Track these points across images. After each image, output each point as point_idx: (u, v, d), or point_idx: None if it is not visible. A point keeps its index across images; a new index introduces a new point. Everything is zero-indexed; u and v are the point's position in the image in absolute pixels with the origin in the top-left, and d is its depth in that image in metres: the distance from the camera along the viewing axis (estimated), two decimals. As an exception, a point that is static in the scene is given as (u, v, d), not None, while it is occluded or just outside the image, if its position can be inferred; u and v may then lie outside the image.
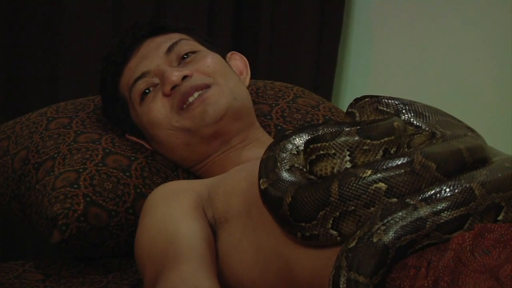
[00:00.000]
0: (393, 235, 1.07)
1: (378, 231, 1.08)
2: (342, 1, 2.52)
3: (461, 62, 2.53)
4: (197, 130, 1.53)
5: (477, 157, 1.15)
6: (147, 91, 1.57)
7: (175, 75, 1.53)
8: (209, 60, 1.59)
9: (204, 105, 1.51)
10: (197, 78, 1.55)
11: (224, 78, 1.57)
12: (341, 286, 1.06)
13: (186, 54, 1.59)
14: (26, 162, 1.63)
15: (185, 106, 1.52)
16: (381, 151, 1.15)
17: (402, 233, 1.07)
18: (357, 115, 1.28)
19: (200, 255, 1.25)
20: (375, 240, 1.07)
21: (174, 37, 1.62)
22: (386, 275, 1.08)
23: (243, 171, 1.39)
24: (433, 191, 1.09)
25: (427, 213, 1.07)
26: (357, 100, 1.31)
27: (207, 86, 1.54)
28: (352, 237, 1.09)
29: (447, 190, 1.08)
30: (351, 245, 1.08)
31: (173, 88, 1.54)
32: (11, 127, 1.73)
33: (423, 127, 1.25)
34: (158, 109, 1.55)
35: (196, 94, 1.52)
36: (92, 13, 2.33)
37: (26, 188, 1.62)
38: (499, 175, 1.10)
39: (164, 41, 1.61)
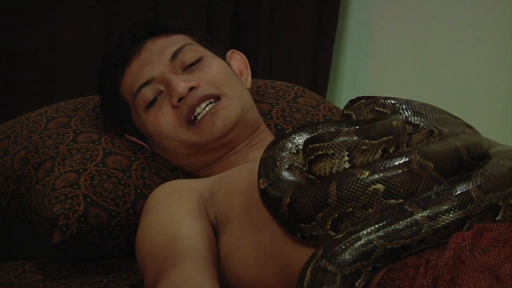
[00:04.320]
0: (384, 236, 1.07)
1: (370, 230, 1.08)
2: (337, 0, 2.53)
3: (461, 61, 2.52)
4: (206, 144, 1.54)
5: (475, 154, 1.14)
6: (154, 99, 1.57)
7: (182, 86, 1.53)
8: (214, 68, 1.58)
9: (213, 119, 1.52)
10: (204, 89, 1.54)
11: (230, 87, 1.57)
12: (307, 272, 1.07)
13: (191, 62, 1.59)
14: (25, 162, 1.63)
15: (193, 118, 1.52)
16: (379, 151, 1.15)
17: (395, 236, 1.07)
18: (354, 117, 1.28)
19: (201, 256, 1.25)
20: (363, 236, 1.07)
21: (177, 40, 1.61)
22: (367, 271, 1.08)
23: (243, 169, 1.39)
24: (430, 196, 1.08)
25: (423, 218, 1.07)
26: (352, 101, 1.30)
27: (215, 96, 1.54)
28: (342, 231, 1.10)
29: (444, 194, 1.08)
30: (336, 237, 1.09)
31: (180, 99, 1.53)
32: (11, 126, 1.73)
33: (421, 125, 1.25)
34: (166, 121, 1.55)
35: (203, 105, 1.52)
36: (89, 13, 2.32)
37: (26, 188, 1.62)
38: (495, 174, 1.09)
39: (167, 46, 1.60)
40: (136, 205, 1.56)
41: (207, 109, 1.53)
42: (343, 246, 1.07)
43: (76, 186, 1.53)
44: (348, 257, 1.07)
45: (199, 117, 1.52)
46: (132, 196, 1.56)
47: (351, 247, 1.07)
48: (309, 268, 1.08)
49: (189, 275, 1.21)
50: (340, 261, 1.06)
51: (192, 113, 1.52)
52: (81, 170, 1.56)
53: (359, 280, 1.08)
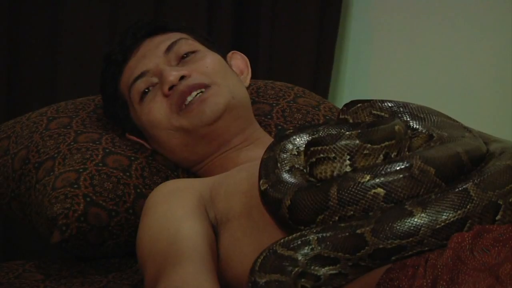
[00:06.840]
0: (378, 233, 1.07)
1: (367, 227, 1.08)
2: (339, 0, 2.53)
3: (461, 61, 2.53)
4: (195, 130, 1.53)
5: (475, 159, 1.14)
6: (146, 90, 1.57)
7: (173, 74, 1.53)
8: (208, 60, 1.59)
9: (202, 105, 1.51)
10: (196, 78, 1.54)
11: (223, 78, 1.57)
12: (294, 235, 1.10)
13: (186, 53, 1.59)
14: (26, 161, 1.63)
15: (184, 106, 1.52)
16: (381, 155, 1.15)
17: (390, 235, 1.07)
18: (351, 121, 1.27)
19: (201, 256, 1.25)
20: (358, 230, 1.08)
21: (173, 36, 1.62)
22: (347, 265, 1.09)
23: (244, 171, 1.39)
24: (430, 197, 1.08)
25: (422, 218, 1.07)
26: (348, 106, 1.29)
27: (206, 86, 1.54)
28: (347, 221, 1.10)
29: (443, 194, 1.08)
30: (339, 224, 1.09)
31: (171, 88, 1.54)
32: (12, 126, 1.73)
33: (420, 129, 1.24)
34: (158, 109, 1.55)
35: (194, 93, 1.52)
36: (91, 13, 2.32)
37: (26, 187, 1.62)
38: (492, 172, 1.09)
39: (163, 41, 1.61)
40: (136, 204, 1.56)
41: (197, 97, 1.52)
42: (337, 233, 1.08)
43: (76, 186, 1.53)
44: (334, 243, 1.08)
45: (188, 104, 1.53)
46: (132, 195, 1.56)
47: (342, 237, 1.08)
48: (299, 233, 1.10)
49: (190, 275, 1.21)
50: (326, 243, 1.08)
51: (183, 100, 1.52)
52: (81, 170, 1.56)
53: (331, 267, 1.09)
